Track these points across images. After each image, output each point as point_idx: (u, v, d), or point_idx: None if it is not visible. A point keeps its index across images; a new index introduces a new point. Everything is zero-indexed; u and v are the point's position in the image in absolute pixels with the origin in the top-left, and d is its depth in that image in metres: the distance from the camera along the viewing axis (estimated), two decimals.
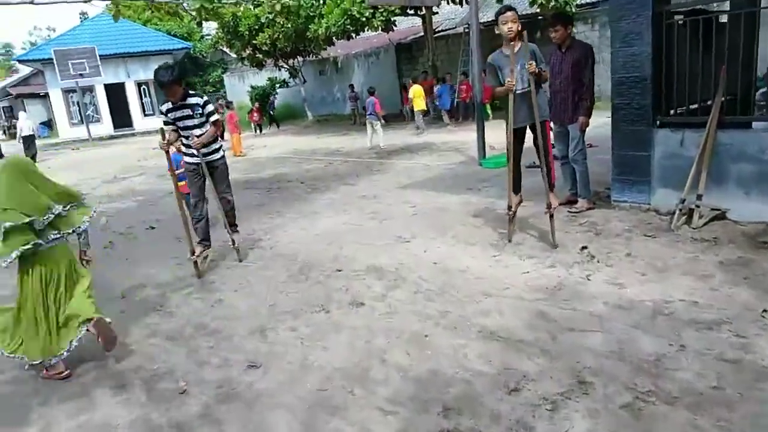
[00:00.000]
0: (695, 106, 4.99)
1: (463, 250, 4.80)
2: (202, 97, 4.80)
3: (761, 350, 2.80)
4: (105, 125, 28.58)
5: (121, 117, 28.95)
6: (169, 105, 4.70)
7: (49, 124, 32.24)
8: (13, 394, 3.18)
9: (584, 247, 4.51)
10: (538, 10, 14.96)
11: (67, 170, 14.51)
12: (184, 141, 4.79)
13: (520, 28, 4.40)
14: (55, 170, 14.24)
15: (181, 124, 4.72)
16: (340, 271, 4.59)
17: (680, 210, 4.76)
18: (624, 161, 5.24)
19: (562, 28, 5.37)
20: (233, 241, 5.14)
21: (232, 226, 5.17)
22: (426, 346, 3.21)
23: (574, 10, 14.43)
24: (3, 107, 37.15)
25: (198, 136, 4.69)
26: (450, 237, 5.22)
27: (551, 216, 4.65)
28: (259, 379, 3.07)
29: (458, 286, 4.00)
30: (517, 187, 5.03)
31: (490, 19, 19.14)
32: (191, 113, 4.70)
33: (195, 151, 4.75)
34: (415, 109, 15.33)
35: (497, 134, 12.37)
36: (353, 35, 17.29)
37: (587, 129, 5.49)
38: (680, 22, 4.91)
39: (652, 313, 3.32)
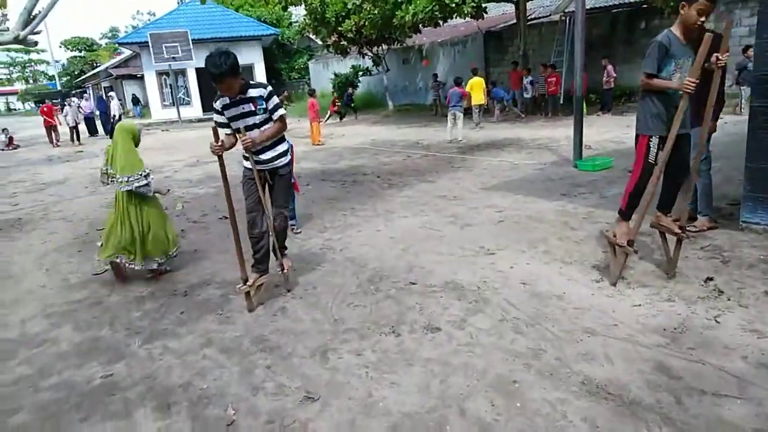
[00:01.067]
0: None
1: (558, 270, 4.16)
2: (266, 88, 3.90)
3: None
4: (195, 108, 29.60)
5: (210, 101, 29.77)
6: (226, 101, 3.80)
7: (138, 102, 33.85)
8: (56, 404, 2.94)
9: (709, 278, 3.75)
10: None
11: (154, 150, 14.95)
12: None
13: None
14: (143, 150, 14.73)
15: (241, 123, 3.82)
16: (414, 284, 4.10)
17: None
18: (760, 176, 4.38)
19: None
20: (282, 266, 4.17)
21: (282, 248, 4.20)
22: (515, 395, 2.65)
23: None
24: (79, 91, 39.31)
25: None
26: (542, 252, 4.58)
27: (679, 240, 3.84)
28: (316, 416, 2.64)
29: (553, 318, 3.39)
30: (666, 205, 4.01)
31: (592, 6, 17.83)
32: (253, 109, 3.82)
33: (255, 155, 3.89)
34: (473, 103, 14.37)
35: (594, 132, 11.43)
36: (441, 22, 16.61)
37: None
38: None
39: None
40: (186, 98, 29.72)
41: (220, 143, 3.70)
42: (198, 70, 29.11)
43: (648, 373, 2.73)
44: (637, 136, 3.86)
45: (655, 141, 3.71)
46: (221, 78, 3.59)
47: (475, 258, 4.58)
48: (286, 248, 4.28)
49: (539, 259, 4.44)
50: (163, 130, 23.65)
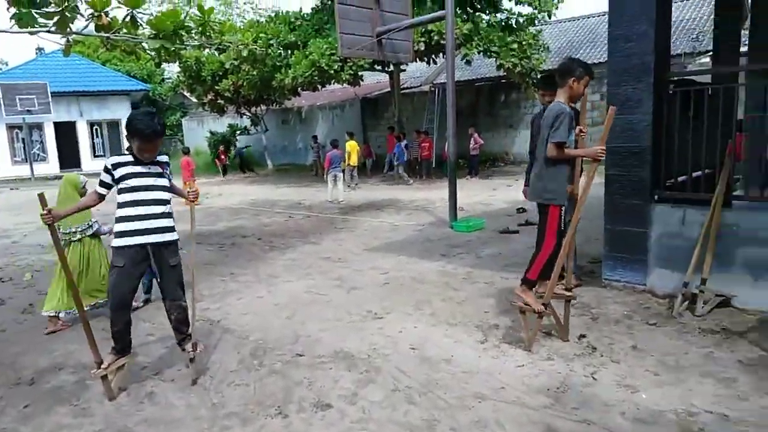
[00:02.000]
0: (697, 174, 4.66)
1: (444, 333, 4.18)
2: (166, 154, 3.71)
3: None
4: (51, 164, 27.03)
5: (69, 156, 27.49)
6: (128, 158, 3.42)
7: None
8: None
9: (582, 336, 3.97)
10: (504, 74, 15.05)
11: (1, 211, 13.26)
12: (132, 212, 3.41)
13: None
14: None
15: (143, 184, 3.42)
16: (301, 356, 3.87)
17: (683, 294, 4.32)
18: (618, 237, 4.82)
19: (553, 94, 4.97)
20: (192, 358, 3.58)
21: (185, 336, 3.68)
22: None
23: (539, 74, 14.55)
24: None
25: (167, 202, 3.56)
26: (428, 314, 4.60)
27: (567, 301, 3.96)
28: None
29: (444, 384, 3.35)
30: (547, 273, 3.91)
31: (458, 79, 19.33)
32: (161, 171, 3.51)
33: (143, 225, 3.41)
34: (349, 164, 14.83)
35: (465, 195, 12.11)
36: (319, 87, 17.01)
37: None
38: (670, 91, 4.65)
39: (680, 431, 2.76)
40: (41, 154, 27.12)
41: (47, 211, 3.14)
42: (57, 125, 26.88)
43: None
44: (546, 206, 3.92)
45: (563, 210, 3.90)
46: (153, 138, 3.32)
47: (363, 323, 4.47)
48: (190, 335, 3.69)
49: (426, 321, 4.44)
50: (12, 189, 21.23)
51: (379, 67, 17.85)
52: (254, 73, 16.62)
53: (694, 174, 4.72)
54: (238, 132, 25.22)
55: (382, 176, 18.14)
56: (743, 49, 7.45)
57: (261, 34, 15.83)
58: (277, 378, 3.56)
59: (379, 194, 13.77)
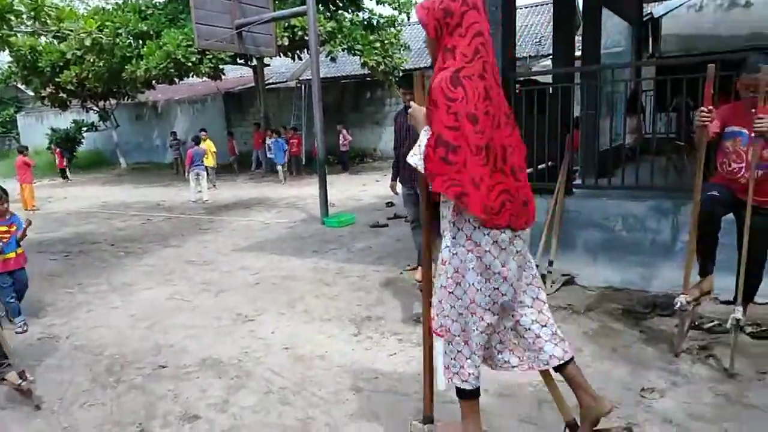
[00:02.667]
0: (542, 166, 5.11)
1: (318, 329, 4.16)
2: None
3: None
4: None
5: None
6: None
7: None
8: None
9: None
10: (368, 72, 15.35)
11: None
12: None
13: None
14: None
15: None
16: (164, 367, 3.62)
17: (548, 271, 4.72)
18: None
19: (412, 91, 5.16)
20: (21, 390, 3.21)
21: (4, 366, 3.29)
22: None
23: (401, 73, 15.04)
24: None
25: None
26: (301, 312, 4.55)
27: None
28: None
29: (319, 380, 3.33)
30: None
31: (324, 75, 19.31)
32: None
33: None
34: (207, 165, 14.00)
35: (335, 191, 12.17)
36: (177, 80, 16.04)
37: None
38: (516, 91, 5.05)
39: (536, 401, 3.01)
40: None
41: None
42: None
43: None
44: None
45: None
46: None
47: (233, 327, 4.30)
48: (9, 364, 3.28)
49: (299, 319, 4.39)
50: None
51: (242, 61, 17.29)
52: (101, 64, 15.25)
53: (543, 166, 5.18)
54: (84, 129, 22.95)
55: (249, 174, 17.62)
56: (578, 53, 8.31)
57: (107, 22, 14.57)
58: (138, 393, 3.29)
59: (247, 192, 13.35)
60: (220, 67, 15.71)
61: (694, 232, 3.35)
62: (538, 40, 17.20)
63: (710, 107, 3.16)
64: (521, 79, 5.31)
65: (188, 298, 5.07)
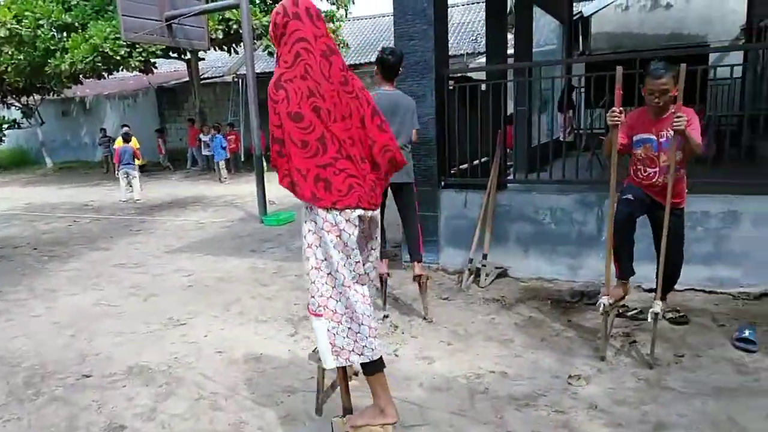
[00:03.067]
0: (477, 162, 5.21)
1: (253, 331, 4.08)
2: None
3: (581, 426, 2.70)
4: None
5: None
6: None
7: None
8: None
9: (386, 316, 4.20)
10: None
11: None
12: None
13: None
14: None
15: None
16: (88, 377, 3.45)
17: (468, 269, 4.81)
18: None
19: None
20: None
21: None
22: None
23: None
24: None
25: None
26: (236, 314, 4.44)
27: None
28: None
29: (253, 383, 3.27)
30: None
31: (262, 70, 18.95)
32: None
33: None
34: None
35: (276, 188, 11.96)
36: (106, 74, 15.31)
37: None
38: (450, 87, 5.12)
39: (469, 393, 3.06)
40: None
41: None
42: None
43: None
44: (411, 184, 4.25)
45: None
46: None
47: (164, 332, 4.15)
48: None
49: (234, 321, 4.28)
50: None
51: (176, 55, 16.69)
52: (21, 57, 14.35)
53: (477, 161, 5.28)
54: (5, 126, 21.53)
55: (185, 172, 17.08)
56: (511, 51, 8.53)
57: (27, 13, 13.70)
58: (59, 405, 3.12)
59: (183, 191, 12.93)
60: (152, 60, 15.10)
61: (610, 237, 3.45)
62: (474, 37, 17.50)
63: (620, 108, 3.26)
64: (455, 75, 5.38)
65: (116, 304, 4.85)
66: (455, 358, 3.50)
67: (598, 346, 3.48)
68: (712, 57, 11.10)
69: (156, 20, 7.93)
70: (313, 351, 2.67)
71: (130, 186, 11.51)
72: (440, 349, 3.62)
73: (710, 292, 4.21)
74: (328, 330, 2.28)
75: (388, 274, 4.41)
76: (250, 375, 3.37)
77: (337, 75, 2.24)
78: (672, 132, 3.22)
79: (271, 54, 14.14)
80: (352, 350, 2.29)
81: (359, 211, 2.27)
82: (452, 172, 5.19)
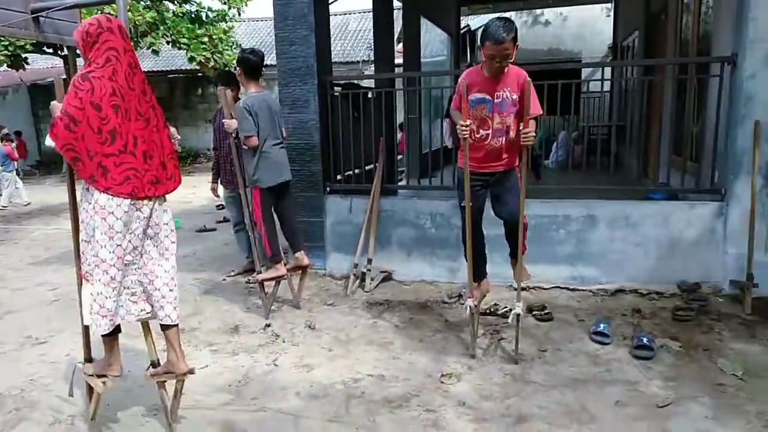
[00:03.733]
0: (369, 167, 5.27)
1: (122, 347, 3.81)
2: None
3: (449, 423, 2.80)
4: None
5: None
6: None
7: None
8: None
9: (267, 325, 4.12)
10: (197, 67, 14.60)
11: None
12: None
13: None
14: None
15: None
16: None
17: (354, 274, 4.84)
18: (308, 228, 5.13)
19: (236, 89, 4.96)
20: None
21: None
22: None
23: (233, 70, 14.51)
24: None
25: None
26: None
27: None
28: None
29: (117, 403, 3.06)
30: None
31: (149, 69, 17.97)
32: None
33: None
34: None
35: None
36: None
37: None
38: (336, 93, 5.16)
39: (345, 398, 3.08)
40: None
41: None
42: None
43: None
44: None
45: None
46: None
47: (19, 353, 3.79)
48: None
49: (99, 339, 3.98)
50: None
51: (50, 50, 15.37)
52: None
53: (362, 168, 5.34)
54: None
55: (61, 175, 15.75)
56: (399, 60, 8.74)
57: None
58: None
59: (57, 197, 11.91)
60: (23, 56, 13.80)
61: (469, 241, 3.51)
62: (369, 45, 17.76)
63: (468, 121, 3.28)
64: (340, 82, 5.41)
65: None
66: (335, 363, 3.50)
67: (469, 344, 3.64)
68: (585, 72, 12.09)
69: (20, 12, 7.21)
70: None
71: None
72: (321, 356, 3.61)
73: (573, 290, 4.55)
74: (91, 295, 2.61)
75: (277, 282, 4.37)
76: (114, 395, 3.15)
77: (139, 84, 2.61)
78: (507, 93, 3.27)
79: (155, 52, 13.45)
80: (97, 313, 2.61)
81: (130, 201, 2.55)
82: (338, 178, 5.22)
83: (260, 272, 4.38)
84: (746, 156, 4.04)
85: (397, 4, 8.47)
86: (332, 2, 5.96)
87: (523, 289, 4.55)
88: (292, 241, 4.47)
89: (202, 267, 5.79)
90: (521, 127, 3.28)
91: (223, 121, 4.24)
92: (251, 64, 4.09)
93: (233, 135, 4.23)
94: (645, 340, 3.47)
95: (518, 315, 3.48)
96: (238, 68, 4.19)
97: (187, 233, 7.54)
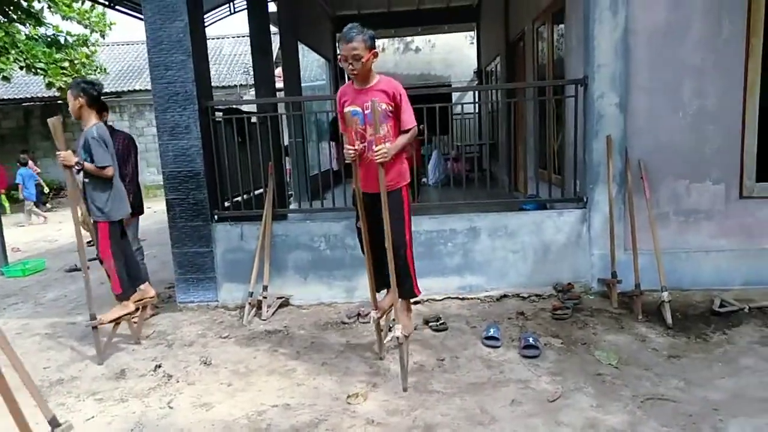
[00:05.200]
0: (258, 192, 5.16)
1: None
2: None
3: None
4: None
5: None
6: None
7: None
8: None
9: (158, 366, 3.86)
10: (58, 94, 13.46)
11: None
12: None
13: None
14: None
15: None
16: None
17: (249, 303, 4.71)
18: (186, 259, 4.90)
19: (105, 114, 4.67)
20: None
21: None
22: None
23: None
24: None
25: None
26: None
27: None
28: None
29: None
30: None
31: (1, 97, 16.25)
32: None
33: None
34: None
35: (22, 232, 10.26)
36: None
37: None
38: (219, 119, 5.04)
39: None
40: None
41: None
42: None
43: None
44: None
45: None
46: None
47: None
48: None
49: None
50: None
51: None
52: None
53: (257, 192, 5.24)
54: None
55: None
56: (279, 84, 8.73)
57: None
58: None
59: None
60: None
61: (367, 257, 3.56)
62: (246, 69, 17.54)
63: (356, 145, 3.23)
64: (220, 108, 5.29)
65: None
66: (237, 399, 3.37)
67: (373, 362, 3.70)
68: (455, 95, 12.89)
69: None
70: None
71: None
72: (220, 393, 3.45)
73: (463, 299, 4.80)
74: None
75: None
76: None
77: None
78: (377, 104, 3.10)
79: (6, 79, 12.21)
80: None
81: None
82: (226, 205, 5.07)
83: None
84: (602, 167, 4.54)
85: (273, 29, 8.49)
86: (208, 26, 5.84)
87: (417, 302, 4.72)
88: (136, 275, 4.41)
89: (75, 309, 5.30)
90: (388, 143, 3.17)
91: (58, 153, 3.97)
92: (94, 94, 4.10)
93: (77, 168, 4.05)
94: (531, 340, 3.75)
95: (398, 338, 3.35)
96: (80, 98, 4.05)
97: (56, 274, 6.87)
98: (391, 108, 3.25)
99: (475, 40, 13.65)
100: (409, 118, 3.24)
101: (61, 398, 3.47)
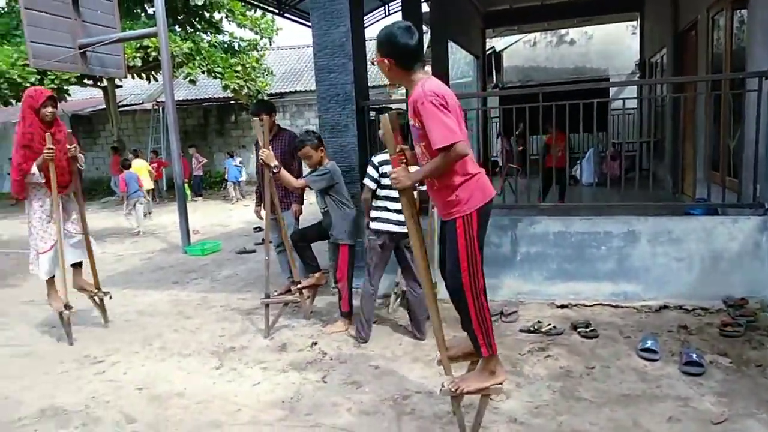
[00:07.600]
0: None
1: (176, 365, 3.96)
2: None
3: None
4: None
5: None
6: None
7: None
8: None
9: (314, 343, 4.21)
10: (232, 95, 15.05)
11: None
12: None
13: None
14: None
15: None
16: None
17: (394, 293, 4.92)
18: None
19: (266, 116, 5.16)
20: None
21: None
22: None
23: (265, 97, 14.94)
24: None
25: None
26: (158, 348, 4.30)
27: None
28: None
29: (176, 419, 3.18)
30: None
31: (184, 98, 18.56)
32: None
33: None
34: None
35: (200, 217, 11.67)
36: (13, 101, 14.43)
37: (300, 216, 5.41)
38: (373, 117, 5.32)
39: (396, 415, 3.14)
40: None
41: None
42: None
43: None
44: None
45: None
46: None
47: (79, 371, 3.95)
48: None
49: (155, 357, 4.14)
50: None
51: (90, 82, 16.04)
52: None
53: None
54: None
55: (102, 202, 16.29)
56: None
57: None
58: None
59: (99, 222, 12.30)
60: (65, 88, 14.44)
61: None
62: None
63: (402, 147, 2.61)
64: (375, 106, 5.57)
65: (25, 343, 4.57)
66: (382, 381, 3.57)
67: (516, 360, 3.67)
68: (612, 89, 12.10)
69: (68, 47, 7.62)
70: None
71: None
72: (368, 374, 3.67)
73: (616, 306, 4.54)
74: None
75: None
76: (173, 411, 3.28)
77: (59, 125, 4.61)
78: (411, 119, 2.56)
79: (192, 82, 13.92)
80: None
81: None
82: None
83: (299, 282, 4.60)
84: None
85: (425, 28, 8.68)
86: (367, 27, 6.16)
87: (565, 306, 4.58)
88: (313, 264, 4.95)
89: (245, 287, 5.94)
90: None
91: (262, 150, 4.24)
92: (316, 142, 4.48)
93: (273, 170, 4.27)
94: (694, 356, 3.46)
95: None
96: (320, 150, 4.43)
97: (228, 255, 7.74)
98: (417, 125, 2.51)
99: (637, 30, 12.67)
100: (437, 137, 2.37)
101: (234, 363, 3.94)
